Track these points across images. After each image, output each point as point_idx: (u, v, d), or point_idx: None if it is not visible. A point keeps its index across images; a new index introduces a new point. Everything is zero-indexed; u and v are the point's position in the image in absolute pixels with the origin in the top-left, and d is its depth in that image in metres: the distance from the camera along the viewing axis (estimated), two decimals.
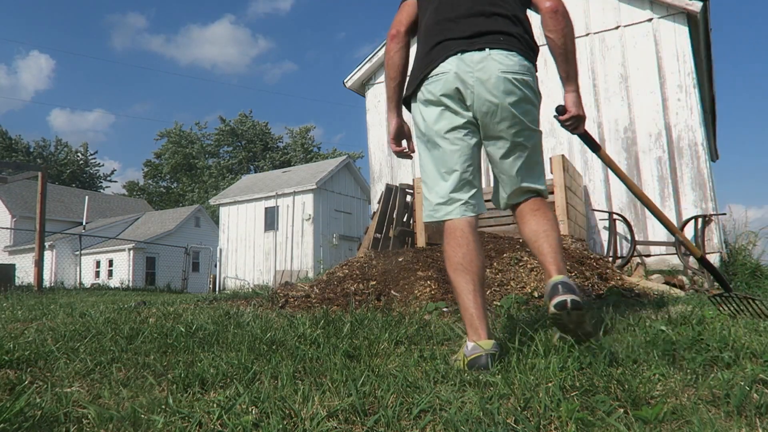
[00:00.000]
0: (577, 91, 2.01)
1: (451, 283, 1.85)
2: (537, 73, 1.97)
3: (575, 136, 2.26)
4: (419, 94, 1.95)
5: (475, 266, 1.79)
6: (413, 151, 2.19)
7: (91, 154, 46.51)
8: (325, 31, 76.16)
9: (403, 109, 2.13)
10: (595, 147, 2.28)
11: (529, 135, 1.92)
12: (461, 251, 1.82)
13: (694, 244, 6.31)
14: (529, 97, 1.88)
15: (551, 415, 1.20)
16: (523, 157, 1.93)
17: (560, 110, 2.06)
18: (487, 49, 1.82)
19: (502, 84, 1.81)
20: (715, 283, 5.77)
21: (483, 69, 1.81)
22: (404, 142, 2.19)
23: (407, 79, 2.04)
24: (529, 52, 1.92)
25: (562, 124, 2.07)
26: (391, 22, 2.10)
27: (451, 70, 1.84)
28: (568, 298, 1.63)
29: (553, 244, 1.82)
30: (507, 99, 1.82)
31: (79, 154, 45.36)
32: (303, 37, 76.21)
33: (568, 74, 1.97)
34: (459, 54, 1.84)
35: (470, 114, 1.86)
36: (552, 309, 1.65)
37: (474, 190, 1.92)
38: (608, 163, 2.33)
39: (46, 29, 69.52)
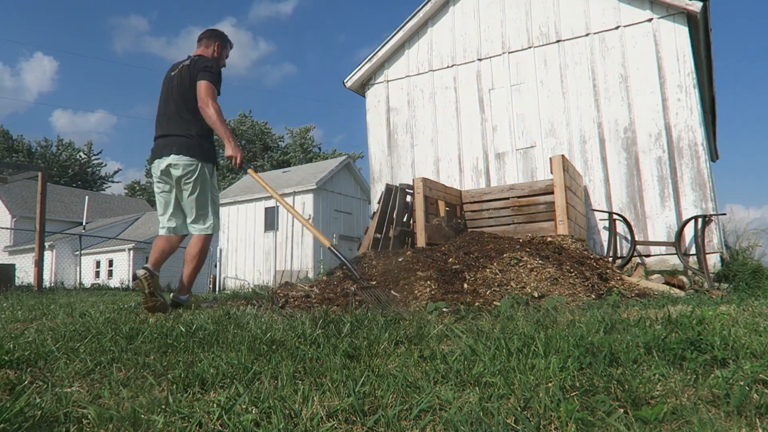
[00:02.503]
0: (229, 143, 3.64)
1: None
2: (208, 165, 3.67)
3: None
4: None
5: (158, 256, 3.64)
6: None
7: (95, 154, 46.50)
8: (325, 34, 76.52)
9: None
10: (244, 169, 3.78)
11: (194, 196, 3.60)
12: (159, 248, 3.66)
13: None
14: (190, 176, 3.55)
15: (551, 415, 1.20)
16: (194, 207, 3.62)
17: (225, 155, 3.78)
18: (172, 155, 3.54)
19: (177, 170, 3.54)
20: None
21: (167, 162, 3.56)
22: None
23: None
24: (195, 153, 3.57)
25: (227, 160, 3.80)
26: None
27: (159, 163, 3.62)
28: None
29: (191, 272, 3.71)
30: (182, 178, 3.56)
31: (82, 153, 45.35)
32: (303, 39, 76.55)
33: (221, 136, 3.63)
34: (159, 157, 3.61)
35: (171, 182, 3.62)
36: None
37: (174, 221, 3.69)
38: (255, 177, 3.98)
39: (49, 30, 69.88)
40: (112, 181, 48.29)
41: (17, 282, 9.62)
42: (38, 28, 68.68)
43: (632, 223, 6.69)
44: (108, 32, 71.05)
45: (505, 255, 4.09)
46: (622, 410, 1.22)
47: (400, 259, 4.23)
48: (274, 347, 1.98)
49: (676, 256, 6.39)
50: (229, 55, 4.00)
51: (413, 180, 6.01)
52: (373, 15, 73.30)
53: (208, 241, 3.69)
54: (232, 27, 69.49)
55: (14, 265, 9.56)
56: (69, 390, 1.48)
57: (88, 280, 21.73)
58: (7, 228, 23.81)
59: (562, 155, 5.66)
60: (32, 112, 72.86)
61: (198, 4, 73.89)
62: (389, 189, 6.50)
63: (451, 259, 4.21)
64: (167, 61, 71.61)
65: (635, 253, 6.49)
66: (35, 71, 72.32)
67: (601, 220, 7.06)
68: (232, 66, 73.05)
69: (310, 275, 14.53)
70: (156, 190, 3.70)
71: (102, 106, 76.30)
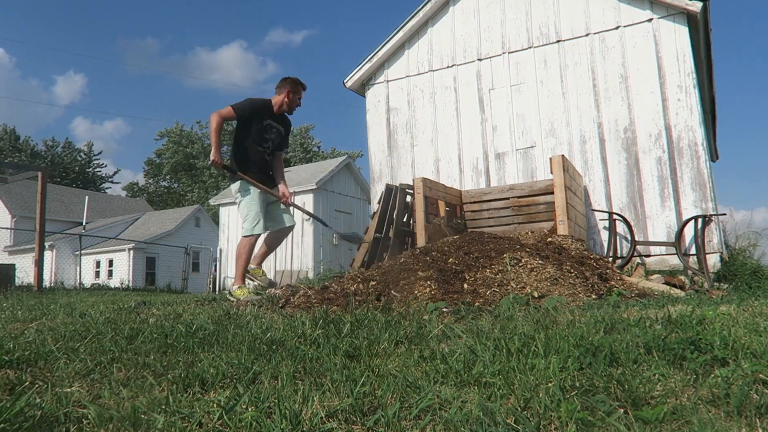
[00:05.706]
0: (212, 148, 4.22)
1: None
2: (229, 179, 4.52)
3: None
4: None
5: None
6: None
7: (95, 155, 46.51)
8: (328, 60, 79.19)
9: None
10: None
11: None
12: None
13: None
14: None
15: (551, 415, 1.20)
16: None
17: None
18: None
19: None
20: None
21: None
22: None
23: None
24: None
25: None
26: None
27: None
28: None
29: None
30: None
31: (82, 153, 45.37)
32: (307, 64, 78.81)
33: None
34: None
35: None
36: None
37: None
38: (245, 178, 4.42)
39: (79, 48, 72.64)
40: (112, 182, 48.38)
41: (17, 282, 9.62)
42: (70, 47, 71.95)
43: (632, 223, 6.68)
44: (121, 52, 74.10)
45: (505, 255, 4.09)
46: (622, 410, 1.22)
47: (400, 260, 4.23)
48: (274, 347, 1.98)
49: (676, 256, 6.39)
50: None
51: (413, 180, 6.01)
52: (375, 39, 75.00)
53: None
54: (242, 50, 72.12)
55: (14, 265, 9.56)
56: (69, 390, 1.48)
57: (88, 280, 21.72)
58: (7, 228, 23.81)
59: (562, 155, 5.66)
60: (60, 124, 76.03)
61: (210, 28, 76.38)
62: (389, 189, 6.50)
63: (451, 260, 4.21)
64: (176, 78, 74.24)
65: (635, 253, 6.48)
66: (66, 87, 76.70)
67: (601, 220, 7.05)
68: (238, 86, 74.75)
69: (310, 275, 14.54)
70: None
71: (118, 118, 79.03)
